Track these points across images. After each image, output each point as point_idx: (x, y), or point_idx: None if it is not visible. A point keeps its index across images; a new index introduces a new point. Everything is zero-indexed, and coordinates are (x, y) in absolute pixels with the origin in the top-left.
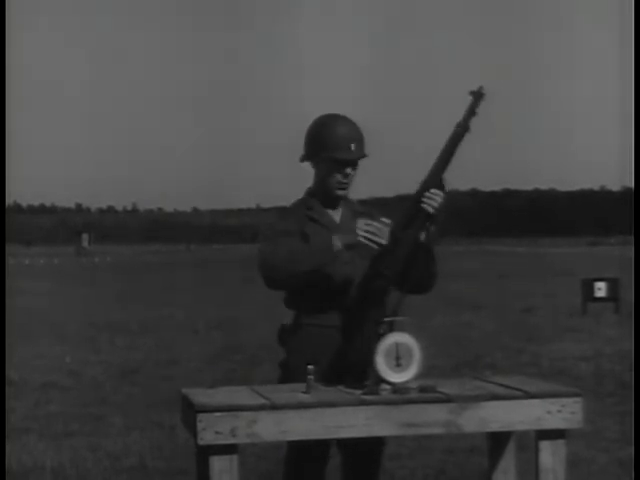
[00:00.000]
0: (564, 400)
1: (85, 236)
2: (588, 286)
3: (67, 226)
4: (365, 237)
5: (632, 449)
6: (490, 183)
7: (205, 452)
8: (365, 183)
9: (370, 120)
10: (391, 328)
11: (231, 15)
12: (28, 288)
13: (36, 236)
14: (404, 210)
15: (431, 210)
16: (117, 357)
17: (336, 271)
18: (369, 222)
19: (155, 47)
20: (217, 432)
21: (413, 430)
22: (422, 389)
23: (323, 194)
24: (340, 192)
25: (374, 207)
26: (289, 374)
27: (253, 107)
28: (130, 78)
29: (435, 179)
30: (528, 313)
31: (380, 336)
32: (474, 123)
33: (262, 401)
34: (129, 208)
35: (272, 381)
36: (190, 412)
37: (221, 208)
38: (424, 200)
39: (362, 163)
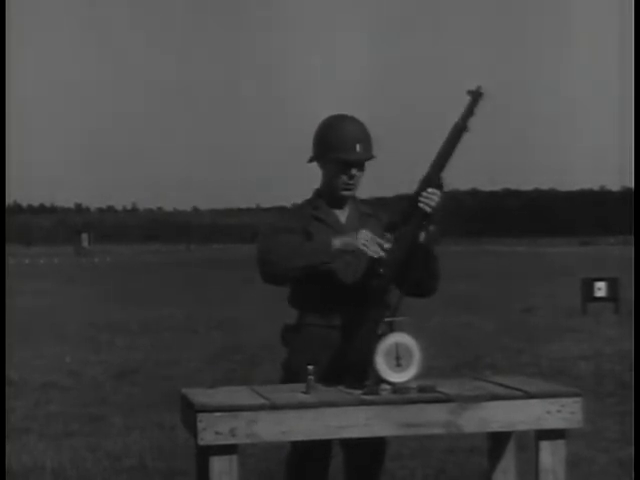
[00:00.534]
0: (564, 400)
1: (85, 236)
2: (588, 286)
3: (67, 226)
4: (365, 246)
5: (632, 449)
6: (490, 183)
7: (205, 452)
8: (365, 183)
9: (370, 120)
10: (391, 328)
11: (231, 15)
12: (28, 288)
13: (36, 236)
14: (402, 209)
15: (428, 209)
16: (117, 357)
17: (333, 270)
18: (372, 236)
19: (155, 47)
20: (217, 432)
21: (413, 430)
22: (422, 389)
23: (329, 194)
24: (346, 193)
25: (380, 208)
26: (291, 374)
27: (253, 107)
28: (130, 78)
29: (433, 178)
30: (528, 313)
31: (380, 336)
32: (473, 122)
33: (262, 401)
34: (129, 208)
35: (272, 381)
36: (190, 412)
37: (221, 208)
38: (421, 199)
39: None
